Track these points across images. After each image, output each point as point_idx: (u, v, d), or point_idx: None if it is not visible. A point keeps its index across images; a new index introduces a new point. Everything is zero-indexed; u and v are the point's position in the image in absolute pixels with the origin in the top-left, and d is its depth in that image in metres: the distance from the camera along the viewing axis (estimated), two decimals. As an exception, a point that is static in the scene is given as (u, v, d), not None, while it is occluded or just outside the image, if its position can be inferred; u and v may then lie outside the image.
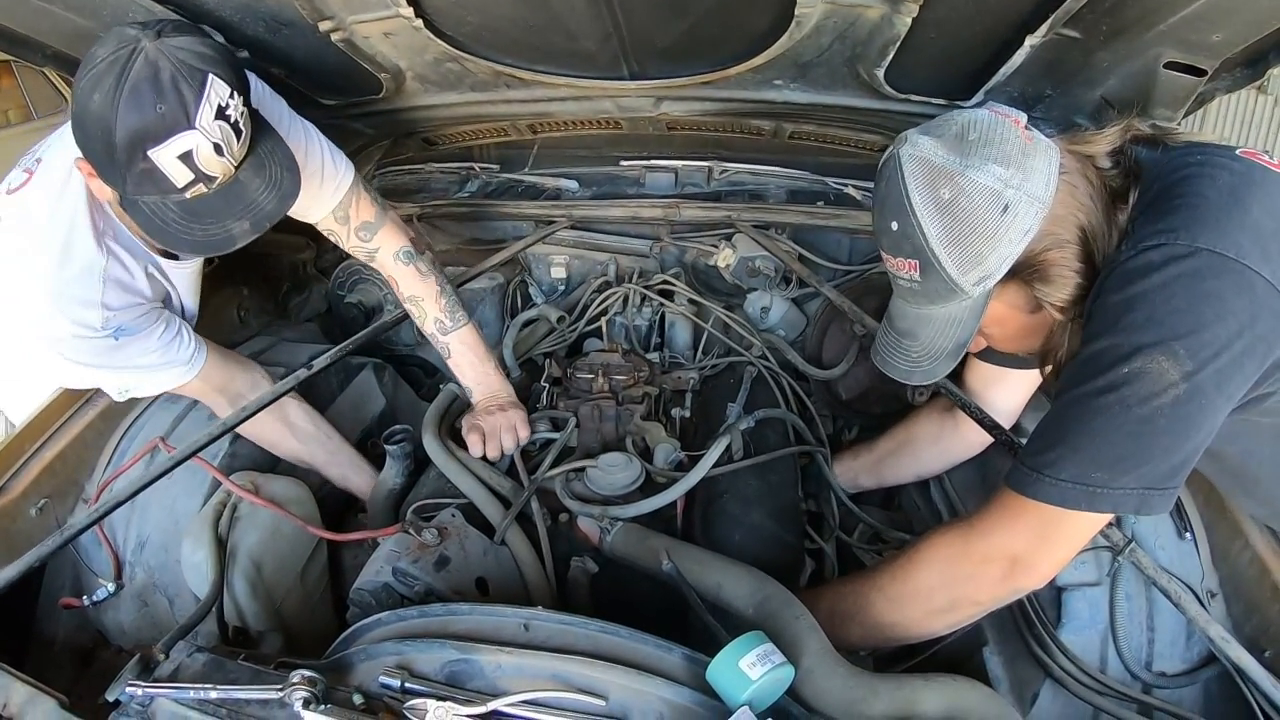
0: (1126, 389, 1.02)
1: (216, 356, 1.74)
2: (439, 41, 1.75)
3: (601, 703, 0.99)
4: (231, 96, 1.25)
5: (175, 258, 1.68)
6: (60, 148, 1.51)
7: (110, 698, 1.06)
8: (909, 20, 1.52)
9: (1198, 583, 1.51)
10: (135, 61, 1.18)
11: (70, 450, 1.76)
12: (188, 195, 1.28)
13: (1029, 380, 1.63)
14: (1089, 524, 1.12)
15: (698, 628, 1.32)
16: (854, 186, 2.36)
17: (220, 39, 1.36)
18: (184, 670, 1.11)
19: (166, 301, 1.70)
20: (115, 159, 1.22)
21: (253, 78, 1.56)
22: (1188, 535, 1.55)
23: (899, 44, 1.61)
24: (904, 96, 1.84)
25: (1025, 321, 1.24)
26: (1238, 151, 1.15)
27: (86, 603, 1.66)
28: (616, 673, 1.02)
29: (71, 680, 1.65)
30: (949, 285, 1.14)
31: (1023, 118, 1.13)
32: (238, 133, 1.29)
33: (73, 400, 1.79)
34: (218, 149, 1.26)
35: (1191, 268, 1.02)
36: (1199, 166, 1.12)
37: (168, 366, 1.63)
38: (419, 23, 1.65)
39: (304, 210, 1.68)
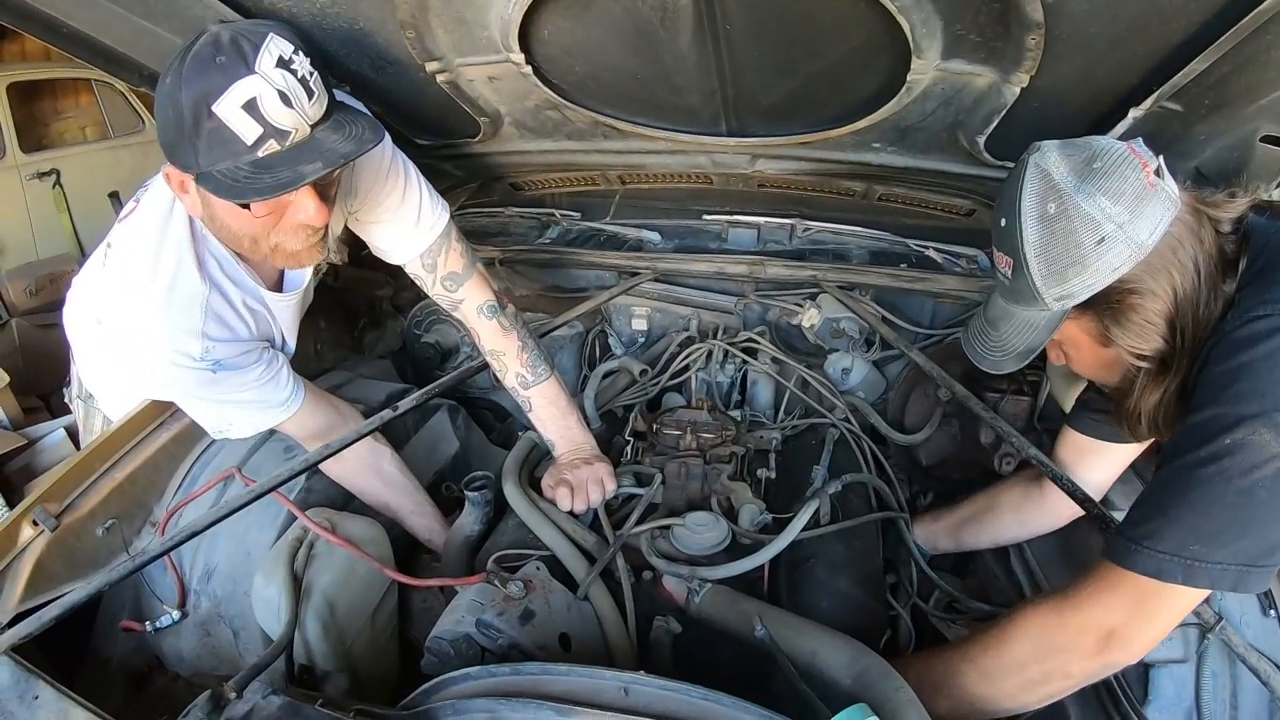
0: (1228, 460, 1.03)
1: (316, 403, 1.72)
2: (544, 88, 1.76)
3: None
4: (296, 54, 1.22)
5: (279, 289, 1.68)
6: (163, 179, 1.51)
7: (179, 731, 1.02)
8: (1018, 90, 1.53)
9: (1282, 659, 1.48)
10: (200, 39, 1.19)
11: (141, 472, 1.74)
12: (260, 153, 1.22)
13: (1119, 458, 1.61)
14: (1185, 599, 1.11)
15: (783, 695, 1.28)
16: (935, 249, 2.31)
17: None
18: (258, 712, 1.07)
19: (270, 340, 1.69)
20: (184, 129, 1.20)
21: (359, 104, 1.57)
22: (1272, 613, 1.50)
23: (1004, 112, 1.60)
24: (999, 163, 1.83)
25: (1098, 353, 1.28)
26: None
27: (149, 629, 1.63)
28: (720, 741, 0.97)
29: (123, 702, 1.61)
30: (1032, 292, 1.19)
31: (1154, 162, 1.14)
32: (308, 90, 1.23)
33: (147, 422, 1.77)
34: (284, 98, 1.20)
35: None
36: None
37: (262, 405, 1.62)
38: (528, 69, 1.66)
39: (393, 249, 1.69)
